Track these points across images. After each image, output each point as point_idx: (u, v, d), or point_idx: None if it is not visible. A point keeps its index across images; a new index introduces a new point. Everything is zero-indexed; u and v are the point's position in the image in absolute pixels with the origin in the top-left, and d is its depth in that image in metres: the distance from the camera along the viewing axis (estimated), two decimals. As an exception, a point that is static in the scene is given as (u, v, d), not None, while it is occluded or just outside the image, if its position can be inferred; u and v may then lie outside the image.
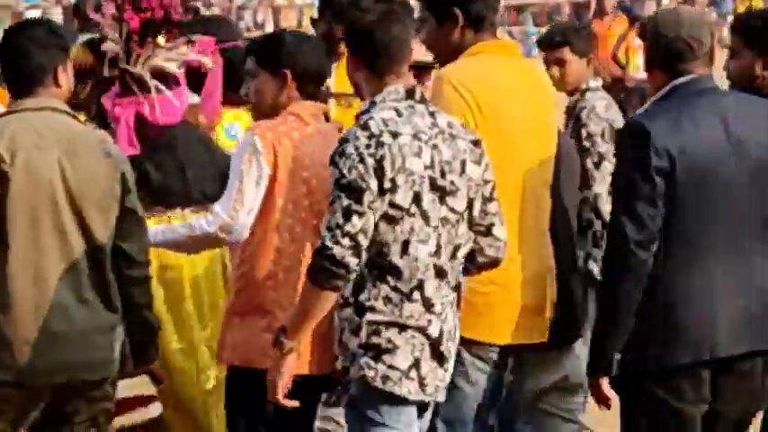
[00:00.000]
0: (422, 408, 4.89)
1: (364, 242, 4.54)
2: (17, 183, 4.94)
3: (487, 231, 4.87)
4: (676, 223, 4.77)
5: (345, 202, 4.56)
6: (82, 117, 6.15)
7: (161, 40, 6.59)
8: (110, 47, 6.70)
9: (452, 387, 5.01)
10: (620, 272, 4.77)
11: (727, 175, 4.82)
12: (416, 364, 4.70)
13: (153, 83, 6.49)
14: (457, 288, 4.90)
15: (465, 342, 5.04)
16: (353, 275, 4.60)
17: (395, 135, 4.62)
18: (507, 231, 4.97)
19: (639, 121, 5.01)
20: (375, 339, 4.66)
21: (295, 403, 4.84)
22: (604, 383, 4.86)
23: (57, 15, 34.84)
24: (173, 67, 6.68)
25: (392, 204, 4.61)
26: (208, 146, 6.96)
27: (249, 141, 5.30)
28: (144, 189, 6.08)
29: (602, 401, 4.97)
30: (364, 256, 4.57)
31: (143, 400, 7.06)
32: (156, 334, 5.60)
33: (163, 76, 6.62)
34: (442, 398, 4.90)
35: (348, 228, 4.52)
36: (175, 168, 6.71)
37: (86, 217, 5.08)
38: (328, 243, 4.52)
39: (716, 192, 4.81)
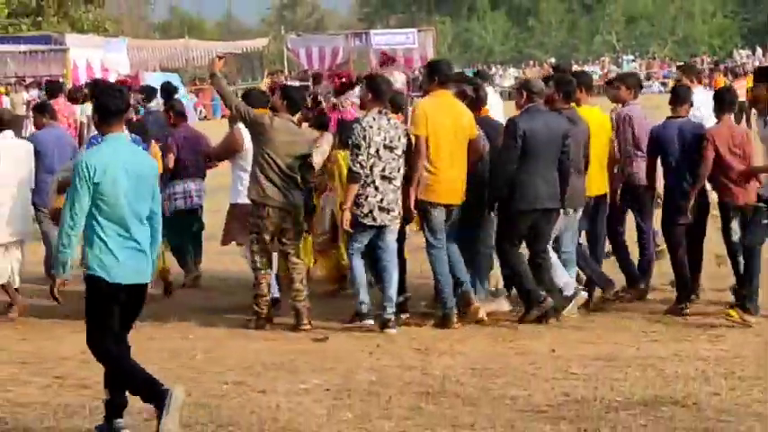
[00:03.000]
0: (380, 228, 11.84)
1: (363, 167, 11.64)
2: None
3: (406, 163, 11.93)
4: (524, 159, 11.72)
5: (355, 150, 11.65)
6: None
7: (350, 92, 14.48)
8: (323, 89, 17.38)
9: (429, 215, 11.84)
10: (503, 169, 11.82)
11: (541, 139, 11.76)
12: (371, 212, 11.68)
13: (348, 104, 14.21)
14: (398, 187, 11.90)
15: (429, 202, 11.78)
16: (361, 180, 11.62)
17: (371, 126, 11.73)
18: (443, 161, 11.75)
19: (513, 118, 12.09)
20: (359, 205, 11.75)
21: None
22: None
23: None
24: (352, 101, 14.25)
25: (368, 154, 11.59)
26: None
27: None
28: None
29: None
30: (362, 172, 11.60)
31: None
32: None
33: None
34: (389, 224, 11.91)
35: (359, 159, 11.60)
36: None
37: None
38: (352, 167, 11.70)
39: (538, 145, 11.73)
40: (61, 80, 37.60)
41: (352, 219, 11.63)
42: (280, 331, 11.62)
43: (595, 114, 12.67)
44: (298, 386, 9.35)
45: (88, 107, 20.66)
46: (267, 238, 11.86)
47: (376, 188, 11.64)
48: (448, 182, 11.71)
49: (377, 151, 11.61)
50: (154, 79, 34.28)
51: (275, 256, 12.40)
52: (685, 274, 12.22)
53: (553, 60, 75.54)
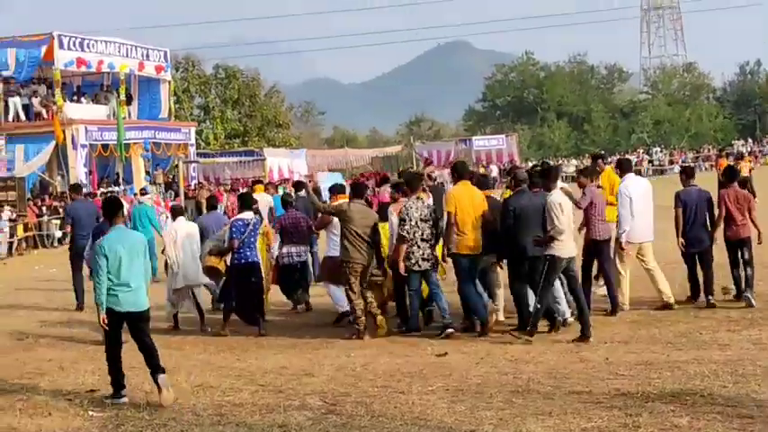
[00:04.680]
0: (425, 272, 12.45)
1: (408, 233, 12.31)
2: None
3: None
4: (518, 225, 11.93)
5: (402, 223, 12.38)
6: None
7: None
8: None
9: (460, 262, 12.23)
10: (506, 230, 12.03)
11: (530, 212, 11.91)
12: (417, 262, 12.33)
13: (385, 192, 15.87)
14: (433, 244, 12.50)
15: (459, 253, 12.20)
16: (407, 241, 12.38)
17: (410, 209, 12.31)
18: (467, 226, 12.15)
19: (506, 199, 12.61)
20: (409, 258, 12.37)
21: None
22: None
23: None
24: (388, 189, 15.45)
25: (410, 225, 12.26)
26: None
27: None
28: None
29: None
30: (407, 236, 12.32)
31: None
32: None
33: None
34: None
35: (405, 228, 12.31)
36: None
37: None
38: (400, 232, 12.34)
39: (526, 215, 11.93)
40: (261, 179, 38.33)
41: (405, 267, 12.39)
42: (414, 349, 11.59)
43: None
44: (426, 388, 9.32)
45: (275, 198, 21.15)
46: (354, 280, 12.41)
47: (419, 246, 12.34)
48: (471, 240, 12.19)
49: (416, 223, 12.32)
50: (325, 177, 34.53)
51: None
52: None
53: (596, 151, 75.80)
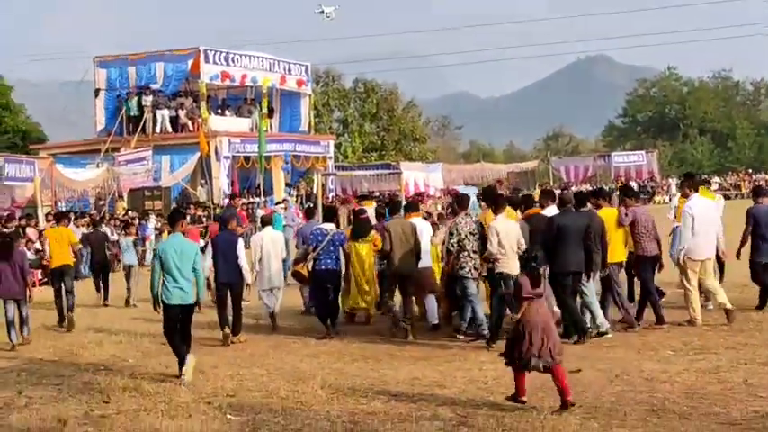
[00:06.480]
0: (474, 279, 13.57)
1: (454, 246, 13.30)
2: None
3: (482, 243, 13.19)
4: (558, 239, 12.71)
5: (450, 237, 13.47)
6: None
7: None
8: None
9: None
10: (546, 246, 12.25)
11: (572, 229, 12.76)
12: (470, 270, 13.37)
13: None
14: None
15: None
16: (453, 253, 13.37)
17: (460, 222, 13.39)
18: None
19: (552, 217, 13.45)
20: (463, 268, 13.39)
21: None
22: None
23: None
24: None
25: (459, 238, 13.26)
26: None
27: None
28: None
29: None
30: (453, 250, 13.34)
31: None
32: None
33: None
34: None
35: (452, 242, 13.38)
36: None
37: None
38: (448, 246, 13.53)
39: (571, 233, 12.72)
40: (397, 194, 38.69)
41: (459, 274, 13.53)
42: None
43: (611, 213, 14.02)
44: (557, 403, 9.27)
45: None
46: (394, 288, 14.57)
47: (470, 257, 13.34)
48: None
49: (465, 236, 13.29)
50: (460, 190, 34.59)
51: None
52: None
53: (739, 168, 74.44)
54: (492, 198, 14.11)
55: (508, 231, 12.88)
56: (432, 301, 14.98)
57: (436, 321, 14.82)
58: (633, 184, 62.16)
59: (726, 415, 8.63)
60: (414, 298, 14.78)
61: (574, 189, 40.02)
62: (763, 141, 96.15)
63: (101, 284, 20.94)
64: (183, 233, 12.54)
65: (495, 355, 12.12)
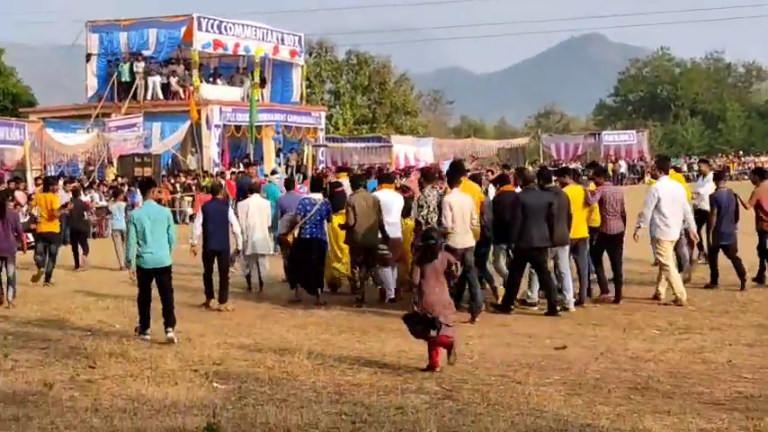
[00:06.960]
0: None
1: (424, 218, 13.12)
2: None
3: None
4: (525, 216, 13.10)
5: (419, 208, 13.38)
6: None
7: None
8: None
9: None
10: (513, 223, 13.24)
11: (535, 207, 13.17)
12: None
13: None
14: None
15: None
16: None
17: (429, 197, 13.23)
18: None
19: (517, 194, 13.81)
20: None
21: None
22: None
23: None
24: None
25: (428, 210, 13.05)
26: None
27: None
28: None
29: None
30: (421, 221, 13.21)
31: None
32: None
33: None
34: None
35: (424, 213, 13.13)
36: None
37: None
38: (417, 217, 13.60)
39: (535, 210, 13.14)
40: (388, 167, 38.67)
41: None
42: (531, 341, 11.57)
43: (577, 190, 14.30)
44: (543, 380, 9.30)
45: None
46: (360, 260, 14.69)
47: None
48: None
49: (434, 209, 13.12)
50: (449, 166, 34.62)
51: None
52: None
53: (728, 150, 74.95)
54: (449, 172, 14.05)
55: (462, 205, 13.07)
56: (387, 274, 15.03)
57: (392, 296, 14.93)
58: (623, 163, 62.39)
59: (709, 395, 8.68)
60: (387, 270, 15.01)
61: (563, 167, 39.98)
62: (753, 124, 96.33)
63: (74, 253, 21.28)
64: (159, 201, 13.12)
65: (489, 330, 12.28)
